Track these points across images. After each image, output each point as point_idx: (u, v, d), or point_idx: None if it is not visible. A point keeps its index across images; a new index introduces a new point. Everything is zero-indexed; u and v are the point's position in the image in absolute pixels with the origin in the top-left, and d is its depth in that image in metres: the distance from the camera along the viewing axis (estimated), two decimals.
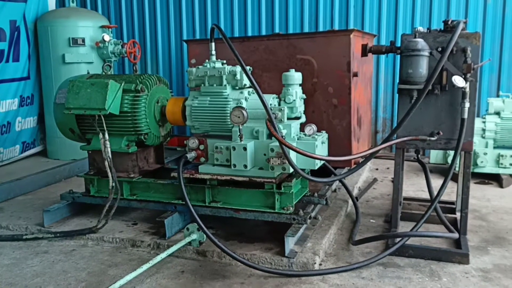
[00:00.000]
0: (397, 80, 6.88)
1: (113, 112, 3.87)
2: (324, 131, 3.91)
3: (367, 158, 3.65)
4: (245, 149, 3.62)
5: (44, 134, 7.29)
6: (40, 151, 7.31)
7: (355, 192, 5.09)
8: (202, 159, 3.88)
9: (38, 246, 3.86)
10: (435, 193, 3.58)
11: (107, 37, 6.81)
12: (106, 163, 3.96)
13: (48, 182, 5.49)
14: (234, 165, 3.67)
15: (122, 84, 3.94)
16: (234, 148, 3.65)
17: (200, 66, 3.89)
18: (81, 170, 5.60)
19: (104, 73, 4.33)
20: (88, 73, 4.37)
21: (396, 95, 6.97)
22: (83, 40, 6.77)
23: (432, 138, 3.54)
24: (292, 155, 3.46)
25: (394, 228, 3.86)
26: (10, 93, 6.74)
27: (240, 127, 3.64)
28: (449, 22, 3.50)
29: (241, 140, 3.66)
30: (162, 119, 4.16)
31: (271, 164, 3.54)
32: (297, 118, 3.93)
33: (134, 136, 4.06)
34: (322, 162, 3.81)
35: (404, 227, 4.06)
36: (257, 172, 3.68)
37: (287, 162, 3.40)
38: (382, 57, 6.84)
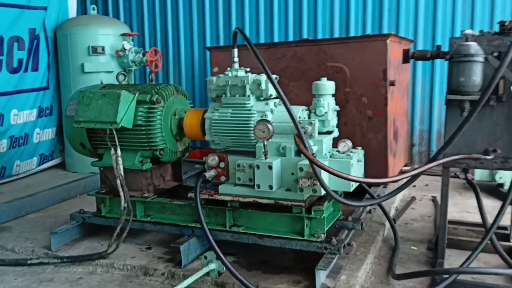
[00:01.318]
0: (435, 89, 6.42)
1: (126, 125, 3.52)
2: (360, 148, 3.47)
3: (410, 180, 3.18)
4: (270, 167, 3.21)
5: (63, 146, 7.03)
6: (59, 164, 7.05)
7: (391, 213, 4.61)
8: (223, 178, 3.48)
9: (43, 273, 3.51)
10: (488, 217, 3.10)
11: (127, 45, 6.53)
12: (118, 181, 3.60)
13: (62, 198, 5.19)
14: (258, 186, 3.26)
15: (136, 95, 3.58)
16: (258, 167, 3.24)
17: (221, 75, 3.51)
18: (96, 185, 5.28)
19: (118, 83, 3.99)
20: (101, 82, 4.04)
21: (435, 106, 6.58)
22: (103, 49, 6.50)
23: (488, 157, 3.06)
24: (324, 175, 3.03)
25: (440, 259, 3.37)
26: (28, 104, 6.51)
27: (265, 143, 3.23)
28: (507, 23, 3.03)
29: (266, 158, 3.24)
30: (179, 133, 3.79)
31: (300, 186, 3.11)
32: (329, 132, 3.50)
33: (148, 151, 3.70)
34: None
35: (451, 256, 3.58)
36: (284, 194, 3.26)
37: (318, 183, 2.97)
38: (419, 64, 6.34)
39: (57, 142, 7.06)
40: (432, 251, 3.75)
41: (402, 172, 5.76)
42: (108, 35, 6.54)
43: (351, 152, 3.29)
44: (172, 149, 3.78)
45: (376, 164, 4.70)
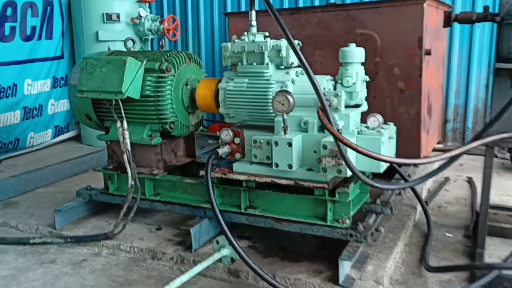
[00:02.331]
0: (473, 61, 5.88)
1: (132, 96, 3.21)
2: (392, 123, 3.09)
3: (449, 161, 2.79)
4: (290, 144, 2.86)
5: None
6: (74, 136, 6.83)
7: (423, 195, 4.23)
8: (238, 155, 3.15)
9: (45, 253, 3.29)
10: None
11: (143, 13, 6.20)
12: (125, 156, 3.32)
13: (73, 172, 4.96)
14: (277, 165, 2.92)
15: (144, 62, 3.26)
16: (276, 143, 2.90)
17: (236, 40, 3.14)
18: None
19: (126, 50, 3.66)
20: (108, 49, 3.72)
21: (472, 79, 6.06)
22: (118, 16, 6.17)
23: None
24: (351, 153, 2.67)
25: (480, 249, 3.00)
26: (42, 74, 6.27)
27: (285, 117, 2.88)
28: None
29: (285, 133, 2.90)
30: (192, 104, 3.46)
31: (323, 165, 2.76)
32: (357, 106, 3.13)
33: (158, 125, 3.39)
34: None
35: (491, 245, 3.21)
36: (305, 174, 2.92)
37: (343, 163, 2.62)
38: (456, 31, 5.82)
39: (73, 114, 6.82)
40: (470, 239, 3.38)
41: (434, 150, 5.34)
42: (124, 1, 6.21)
43: (382, 128, 2.92)
44: (183, 122, 3.46)
45: (407, 141, 4.30)
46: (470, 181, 4.66)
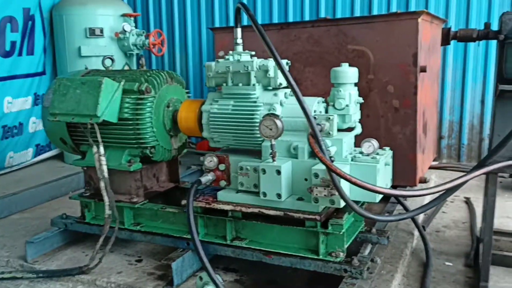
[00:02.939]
0: (468, 76, 5.70)
1: (109, 119, 2.98)
2: (388, 148, 2.88)
3: (450, 191, 2.59)
4: (279, 172, 2.64)
5: None
6: (57, 155, 6.56)
7: (420, 218, 4.03)
8: (223, 183, 2.93)
9: None
10: None
11: (127, 27, 5.98)
12: (102, 183, 3.08)
13: (52, 196, 4.69)
14: (264, 194, 2.71)
15: (122, 83, 3.03)
16: (264, 171, 2.68)
17: (220, 60, 2.94)
18: None
19: (104, 69, 3.44)
20: (86, 68, 3.50)
21: (467, 94, 5.89)
22: (101, 31, 5.96)
23: None
24: (344, 182, 2.46)
25: (484, 282, 2.79)
26: (23, 91, 6.02)
27: (273, 142, 2.67)
28: None
29: (273, 160, 2.68)
30: (174, 127, 3.24)
31: (315, 195, 2.55)
32: (351, 129, 2.92)
33: (137, 150, 3.16)
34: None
35: (494, 275, 3.00)
36: (295, 204, 2.70)
37: (336, 193, 2.41)
38: (450, 46, 5.66)
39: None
40: (471, 268, 3.18)
41: (431, 168, 5.15)
42: (108, 15, 5.99)
43: (378, 154, 2.71)
44: (165, 146, 3.24)
45: (402, 162, 4.09)
46: (468, 202, 4.47)
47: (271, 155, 2.68)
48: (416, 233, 3.59)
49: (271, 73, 2.85)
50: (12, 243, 3.65)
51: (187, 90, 3.43)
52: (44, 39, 6.27)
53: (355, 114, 2.86)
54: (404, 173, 4.12)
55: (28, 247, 3.29)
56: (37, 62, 6.20)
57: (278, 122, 2.64)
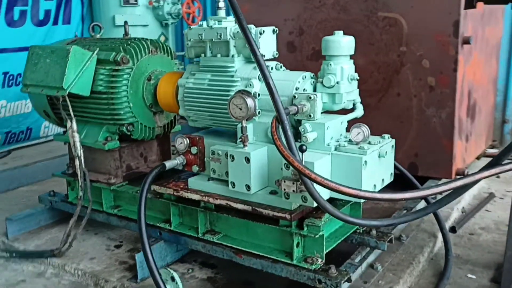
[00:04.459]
0: None
1: (79, 92, 2.71)
2: (388, 136, 2.36)
3: (455, 191, 2.04)
4: (248, 160, 2.24)
5: None
6: None
7: (455, 216, 3.44)
8: (195, 168, 2.57)
9: None
10: None
11: None
12: (76, 162, 2.84)
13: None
14: (233, 184, 2.32)
15: (95, 52, 2.74)
16: (232, 158, 2.29)
17: (193, 26, 2.54)
18: None
19: (91, 37, 3.17)
20: (75, 36, 3.25)
21: None
22: None
23: None
24: (326, 171, 2.01)
25: None
26: None
27: (244, 124, 2.26)
28: None
29: (244, 145, 2.28)
30: (156, 102, 2.90)
31: (284, 190, 2.12)
32: (349, 110, 2.44)
33: (114, 126, 2.88)
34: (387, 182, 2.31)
35: None
36: (266, 199, 2.29)
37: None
38: None
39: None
40: (497, 285, 2.61)
41: (487, 156, 4.44)
42: None
43: (369, 143, 2.21)
44: (146, 124, 2.93)
45: (436, 150, 3.51)
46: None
47: (241, 140, 2.27)
48: (441, 236, 3.04)
49: None
50: (3, 218, 3.55)
51: (177, 61, 3.06)
52: (82, 8, 6.17)
53: (350, 93, 2.35)
54: (438, 163, 3.53)
55: (8, 224, 3.16)
56: (74, 31, 6.11)
57: (249, 100, 2.23)
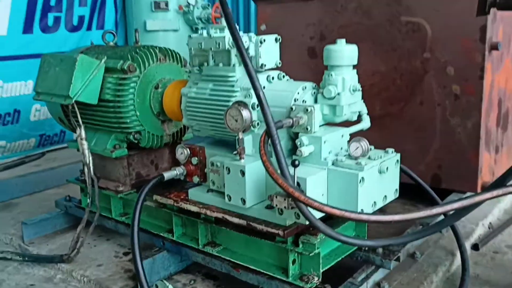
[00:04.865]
0: None
1: (85, 100, 2.73)
2: (392, 150, 2.23)
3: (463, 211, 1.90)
4: (243, 173, 2.18)
5: None
6: None
7: (480, 233, 3.25)
8: (196, 179, 2.54)
9: (2, 271, 2.98)
10: None
11: (192, 0, 5.74)
12: (85, 169, 2.87)
13: None
14: (229, 197, 2.27)
15: (102, 61, 2.75)
16: (228, 170, 2.23)
17: (194, 35, 2.50)
18: None
19: (105, 45, 3.20)
20: (91, 44, 3.29)
21: None
22: (166, 4, 5.81)
23: None
24: (319, 187, 1.92)
25: None
26: None
27: (240, 136, 2.20)
28: None
29: (240, 158, 2.22)
30: (163, 111, 2.89)
31: (276, 205, 2.04)
32: (354, 122, 2.33)
33: (122, 134, 2.89)
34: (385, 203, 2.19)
35: None
36: (262, 213, 2.23)
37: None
38: None
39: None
40: None
41: None
42: None
43: (369, 158, 2.10)
44: (153, 132, 2.92)
45: (460, 161, 3.32)
46: None
47: (238, 152, 2.22)
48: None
49: (251, 51, 2.35)
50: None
51: (187, 69, 3.04)
52: (116, 14, 6.28)
53: (352, 105, 2.25)
54: (462, 176, 3.34)
55: (24, 228, 3.23)
56: None
57: (244, 112, 2.17)
